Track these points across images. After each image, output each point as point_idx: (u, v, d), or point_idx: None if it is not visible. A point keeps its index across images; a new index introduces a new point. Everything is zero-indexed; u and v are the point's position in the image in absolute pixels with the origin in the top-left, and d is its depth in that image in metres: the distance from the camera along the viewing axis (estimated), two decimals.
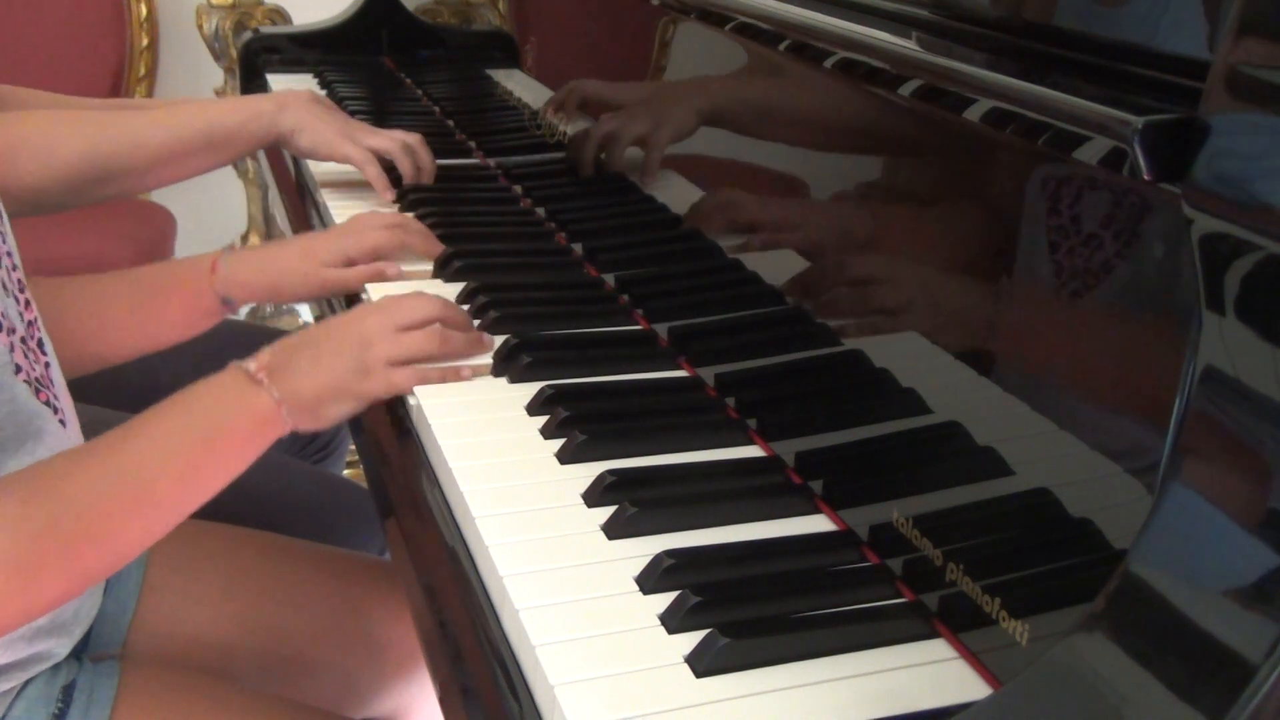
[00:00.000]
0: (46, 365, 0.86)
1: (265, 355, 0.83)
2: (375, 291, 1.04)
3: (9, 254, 0.85)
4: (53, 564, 0.69)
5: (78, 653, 0.89)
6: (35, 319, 0.86)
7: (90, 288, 0.99)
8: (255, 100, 1.27)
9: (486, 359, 0.94)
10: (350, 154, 1.26)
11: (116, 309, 0.99)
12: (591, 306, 1.06)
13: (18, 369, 0.80)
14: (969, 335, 0.67)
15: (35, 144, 1.10)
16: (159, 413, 0.79)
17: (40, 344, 0.86)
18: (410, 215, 1.17)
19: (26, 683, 0.83)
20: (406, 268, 1.09)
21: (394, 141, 1.28)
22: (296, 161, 1.45)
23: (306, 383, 0.83)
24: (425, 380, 0.88)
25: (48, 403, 0.83)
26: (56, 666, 0.85)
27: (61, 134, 1.12)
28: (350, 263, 1.06)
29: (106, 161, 1.13)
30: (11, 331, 0.80)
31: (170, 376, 0.88)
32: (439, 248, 1.12)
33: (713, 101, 1.00)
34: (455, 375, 0.90)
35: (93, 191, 1.15)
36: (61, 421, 0.85)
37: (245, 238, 2.58)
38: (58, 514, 0.70)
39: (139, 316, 1.00)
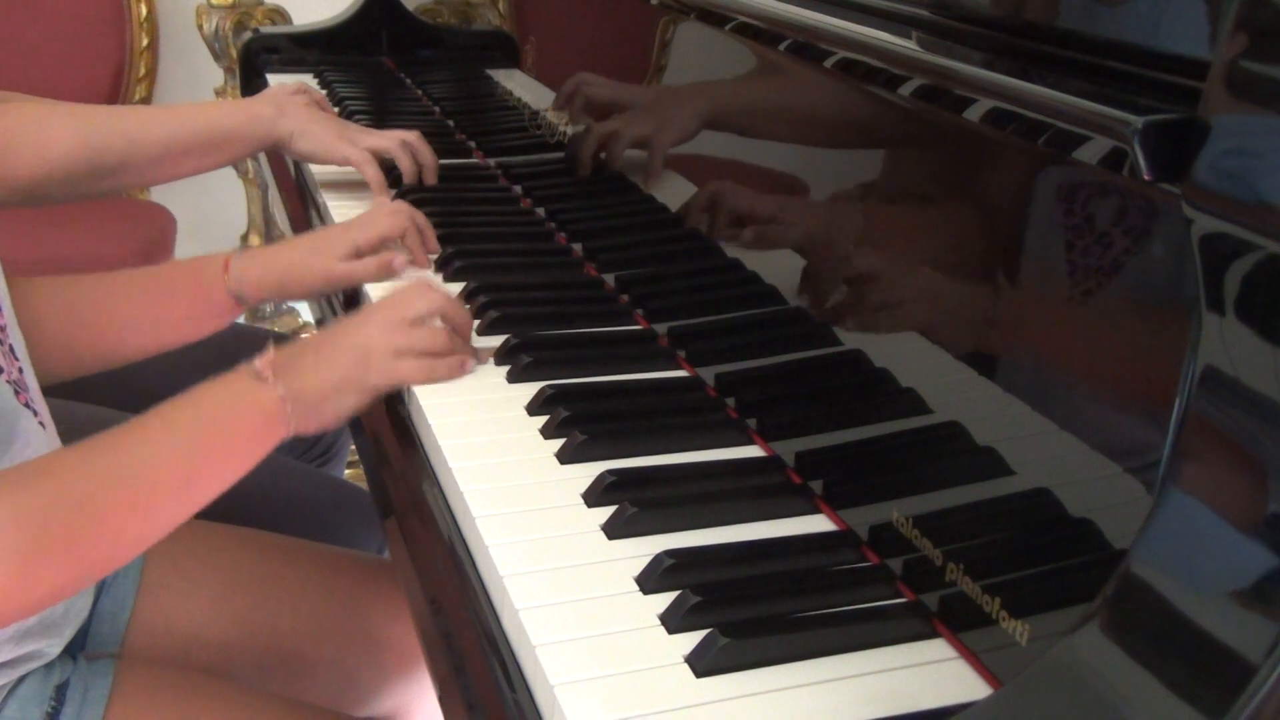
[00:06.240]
0: (20, 370, 0.86)
1: (270, 353, 0.83)
2: (376, 292, 1.04)
3: None
4: (55, 550, 0.69)
5: (73, 651, 0.89)
6: (4, 324, 0.86)
7: (102, 285, 0.99)
8: (254, 103, 1.28)
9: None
10: (349, 155, 1.26)
11: (128, 306, 0.99)
12: (591, 306, 1.06)
13: (1, 370, 0.80)
14: (969, 335, 0.67)
15: (31, 134, 1.10)
16: (164, 409, 0.79)
17: (11, 349, 0.86)
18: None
19: (20, 681, 0.83)
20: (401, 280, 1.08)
21: (392, 140, 1.28)
22: (296, 162, 1.45)
23: (311, 379, 0.83)
24: (432, 373, 0.89)
25: (26, 405, 0.83)
26: (50, 665, 0.85)
27: (57, 125, 1.12)
28: (359, 255, 1.06)
29: (102, 155, 1.13)
30: None
31: (170, 376, 0.88)
32: (430, 250, 1.12)
33: (715, 105, 1.00)
34: (462, 369, 0.91)
35: (87, 185, 1.14)
36: (41, 424, 0.85)
37: (245, 238, 2.58)
38: (60, 499, 0.70)
39: (150, 314, 1.00)
